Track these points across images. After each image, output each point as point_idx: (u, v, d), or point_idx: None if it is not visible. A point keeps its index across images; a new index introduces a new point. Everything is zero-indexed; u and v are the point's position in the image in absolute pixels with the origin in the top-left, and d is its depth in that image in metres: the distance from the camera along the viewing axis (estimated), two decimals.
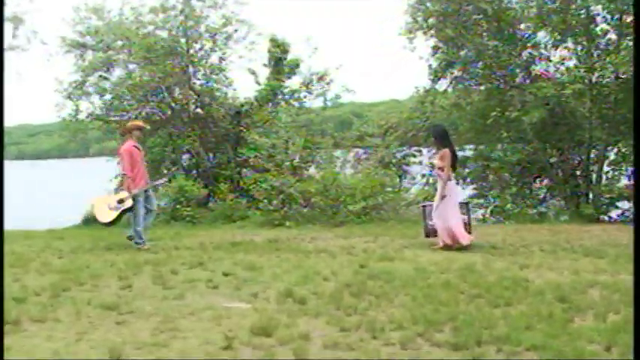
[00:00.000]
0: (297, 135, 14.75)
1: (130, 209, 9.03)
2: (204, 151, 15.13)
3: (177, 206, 13.26)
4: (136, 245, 9.04)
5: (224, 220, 13.10)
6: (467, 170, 14.72)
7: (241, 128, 14.86)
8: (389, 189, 13.48)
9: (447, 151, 8.46)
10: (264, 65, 15.77)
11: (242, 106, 15.23)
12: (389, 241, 9.51)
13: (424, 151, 15.97)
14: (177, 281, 6.61)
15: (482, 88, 14.37)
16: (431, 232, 9.13)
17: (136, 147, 9.10)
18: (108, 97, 14.98)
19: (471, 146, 15.14)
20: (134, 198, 8.97)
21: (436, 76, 14.40)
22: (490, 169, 14.42)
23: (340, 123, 19.71)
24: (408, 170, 16.58)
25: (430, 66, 14.44)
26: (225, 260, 7.91)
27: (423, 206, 9.50)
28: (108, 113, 15.20)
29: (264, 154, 14.25)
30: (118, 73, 15.04)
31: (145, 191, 9.14)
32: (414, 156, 16.60)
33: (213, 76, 15.01)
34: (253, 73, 15.50)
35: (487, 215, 14.06)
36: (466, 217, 8.99)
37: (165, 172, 14.35)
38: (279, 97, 15.85)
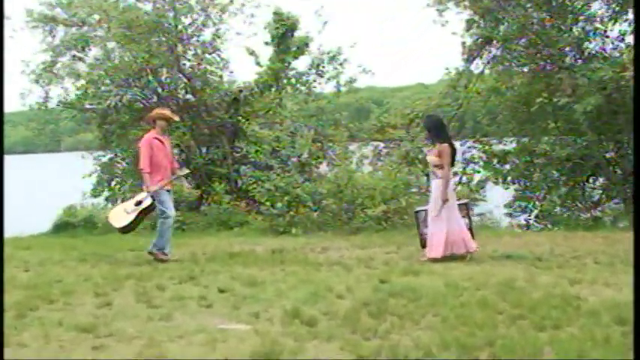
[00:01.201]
0: (306, 126, 14.76)
1: (150, 209, 9.28)
2: (195, 144, 15.20)
3: None
4: (160, 256, 9.13)
5: (219, 226, 13.20)
6: (507, 167, 14.73)
7: (239, 118, 14.90)
8: (414, 190, 13.51)
9: (445, 146, 8.57)
10: (266, 44, 15.86)
11: (240, 91, 15.28)
12: (414, 251, 9.53)
13: (456, 144, 15.85)
14: (165, 299, 6.65)
15: (525, 69, 14.32)
16: (425, 242, 9.20)
17: (157, 139, 9.26)
18: (82, 81, 15.07)
19: (513, 139, 15.14)
20: (154, 197, 9.14)
21: (471, 55, 14.41)
22: (535, 165, 14.40)
23: (357, 112, 19.67)
24: None
25: (464, 44, 14.48)
26: (221, 274, 7.96)
27: (417, 212, 9.60)
28: (82, 100, 15.31)
29: (267, 148, 14.32)
30: (94, 53, 15.16)
31: (168, 191, 9.35)
32: None
33: (206, 57, 15.08)
34: (253, 53, 15.60)
35: (531, 221, 14.05)
36: (467, 220, 9.20)
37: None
38: (284, 81, 15.93)
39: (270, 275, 7.85)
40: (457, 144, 16.08)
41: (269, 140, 14.40)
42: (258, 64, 15.75)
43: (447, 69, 15.32)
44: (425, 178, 15.23)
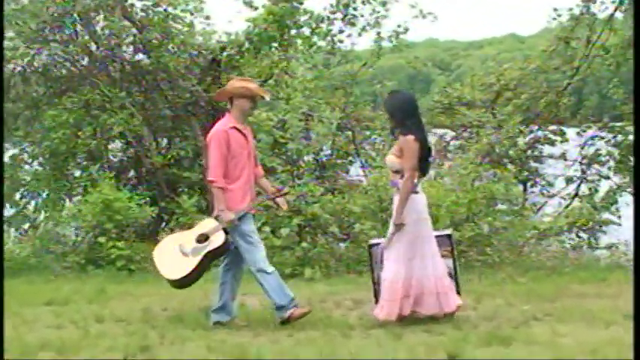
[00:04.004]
0: (327, 105, 14.79)
1: (222, 250, 9.04)
2: (150, 134, 15.30)
3: (100, 239, 13.61)
4: (297, 313, 8.97)
5: None
6: None
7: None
8: (503, 206, 13.69)
9: (409, 139, 8.59)
10: None
11: (222, 49, 15.35)
12: (503, 305, 9.58)
13: (570, 132, 16.16)
14: None
15: None
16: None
17: (237, 130, 9.10)
18: None
19: None
20: (227, 229, 8.96)
21: None
22: None
23: (409, 80, 19.44)
24: (541, 170, 16.85)
25: None
26: (192, 342, 8.02)
27: (371, 246, 9.68)
28: None
29: (265, 140, 14.24)
30: None
31: (253, 215, 9.38)
32: (552, 143, 16.79)
33: None
34: None
35: None
36: (450, 261, 9.28)
37: (93, 173, 14.96)
38: (293, 32, 16.06)
39: (270, 345, 7.86)
40: (570, 132, 16.24)
41: (268, 127, 14.31)
42: (250, 4, 15.86)
43: (556, 11, 15.50)
44: (521, 186, 15.77)
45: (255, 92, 9.25)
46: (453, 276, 9.15)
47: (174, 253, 8.96)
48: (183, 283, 9.03)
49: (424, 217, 8.83)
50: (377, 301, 9.07)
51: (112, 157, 16.04)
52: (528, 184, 16.72)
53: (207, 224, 8.99)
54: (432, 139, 15.68)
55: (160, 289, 11.18)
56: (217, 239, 8.83)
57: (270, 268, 9.00)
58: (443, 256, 8.97)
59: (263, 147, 14.12)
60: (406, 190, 8.54)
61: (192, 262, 8.83)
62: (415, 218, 8.65)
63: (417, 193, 8.68)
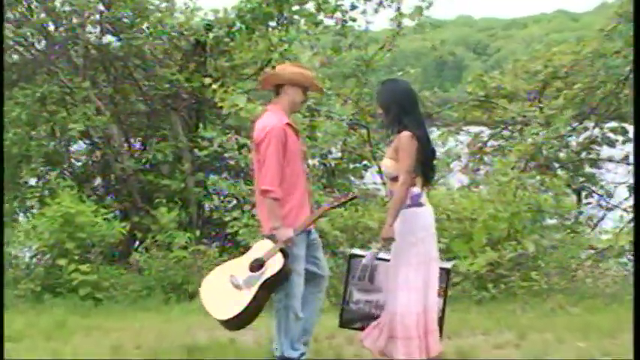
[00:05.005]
0: (338, 96, 14.80)
1: (281, 277, 8.74)
2: (121, 133, 15.47)
3: (59, 262, 13.59)
4: None
5: (168, 293, 13.40)
6: None
7: (207, 81, 14.37)
8: (552, 220, 13.74)
9: (406, 135, 8.45)
10: None
11: (208, 30, 15.42)
12: (552, 341, 9.63)
13: (633, 130, 15.69)
14: None
15: None
16: (356, 318, 9.17)
17: (292, 127, 8.98)
18: None
19: None
20: (286, 251, 8.68)
21: None
22: None
23: (436, 68, 19.52)
24: (598, 176, 16.93)
25: None
26: None
27: (352, 257, 9.42)
28: None
29: None
30: None
31: (308, 233, 9.04)
32: (612, 143, 16.80)
33: None
34: None
35: None
36: (440, 301, 9.03)
37: (51, 181, 14.71)
38: (295, 8, 15.99)
39: None
40: (632, 129, 16.16)
41: None
42: None
43: None
44: (574, 197, 15.90)
45: (313, 83, 9.15)
46: (441, 314, 8.95)
47: (225, 287, 8.68)
48: (236, 323, 8.75)
49: (431, 233, 8.68)
50: (343, 325, 9.12)
51: (74, 162, 16.21)
52: (583, 193, 16.76)
53: (261, 247, 8.65)
54: (465, 139, 16.29)
55: (133, 322, 11.38)
56: (274, 265, 8.52)
57: (302, 313, 8.80)
58: (438, 292, 8.74)
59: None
60: (400, 197, 8.31)
61: (246, 296, 8.54)
62: (422, 236, 8.51)
63: (421, 205, 8.53)
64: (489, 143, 16.13)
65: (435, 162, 8.93)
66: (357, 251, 9.56)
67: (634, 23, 12.46)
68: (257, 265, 8.50)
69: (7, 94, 15.09)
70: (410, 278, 8.40)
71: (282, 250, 8.46)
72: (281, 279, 8.55)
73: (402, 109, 8.53)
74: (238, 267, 8.70)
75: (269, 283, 8.50)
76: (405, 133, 8.36)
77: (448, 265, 9.61)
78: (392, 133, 8.68)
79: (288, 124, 8.71)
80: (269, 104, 8.99)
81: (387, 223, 8.35)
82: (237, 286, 8.55)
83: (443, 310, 9.02)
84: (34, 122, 15.43)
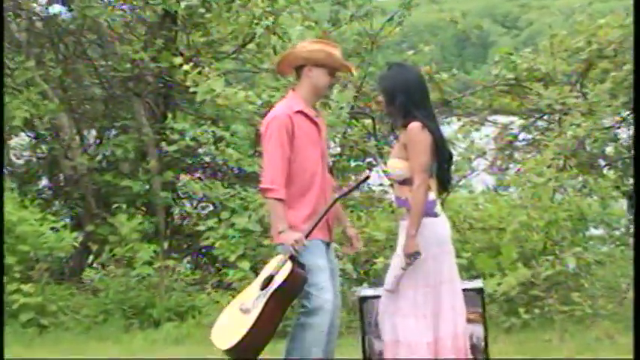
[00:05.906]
0: (337, 84, 13.86)
1: (291, 285, 8.27)
2: (72, 123, 15.33)
3: None
4: None
5: (129, 319, 13.02)
6: None
7: (177, 62, 13.96)
8: (598, 231, 13.69)
9: (416, 126, 7.92)
10: None
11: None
12: None
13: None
14: None
15: None
16: None
17: (305, 116, 8.44)
18: None
19: None
20: (295, 259, 8.17)
21: None
22: None
23: (455, 44, 18.63)
24: None
25: None
26: None
27: (362, 299, 9.46)
28: None
29: (242, 132, 13.90)
30: None
31: (327, 246, 8.63)
32: None
33: None
34: None
35: None
36: (479, 328, 9.17)
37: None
38: None
39: None
40: None
41: (248, 113, 13.53)
42: None
43: None
44: (624, 202, 15.13)
45: (340, 62, 8.67)
46: (482, 349, 9.08)
47: (233, 316, 8.46)
48: (243, 350, 8.25)
49: (447, 251, 8.28)
50: None
51: (14, 159, 16.02)
52: (635, 198, 15.62)
53: (272, 263, 8.36)
54: (491, 131, 15.71)
55: (85, 354, 11.36)
56: (281, 273, 8.19)
57: (321, 323, 8.38)
58: (469, 320, 8.48)
59: (240, 143, 13.88)
60: (419, 201, 7.91)
61: (253, 315, 8.22)
62: (436, 253, 8.08)
63: (436, 215, 8.11)
64: (521, 136, 15.69)
65: (452, 165, 8.66)
66: (366, 292, 9.59)
67: (634, 23, 12.62)
68: (267, 283, 8.29)
69: None
70: (418, 303, 8.09)
71: (291, 257, 8.14)
72: (293, 287, 8.27)
73: (410, 100, 8.13)
74: (249, 292, 8.53)
75: (277, 294, 8.20)
76: (415, 124, 7.98)
77: (479, 283, 9.72)
78: (396, 126, 8.51)
79: (300, 111, 8.42)
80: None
81: (410, 234, 7.91)
82: (246, 311, 8.31)
83: (485, 339, 9.18)
84: None
